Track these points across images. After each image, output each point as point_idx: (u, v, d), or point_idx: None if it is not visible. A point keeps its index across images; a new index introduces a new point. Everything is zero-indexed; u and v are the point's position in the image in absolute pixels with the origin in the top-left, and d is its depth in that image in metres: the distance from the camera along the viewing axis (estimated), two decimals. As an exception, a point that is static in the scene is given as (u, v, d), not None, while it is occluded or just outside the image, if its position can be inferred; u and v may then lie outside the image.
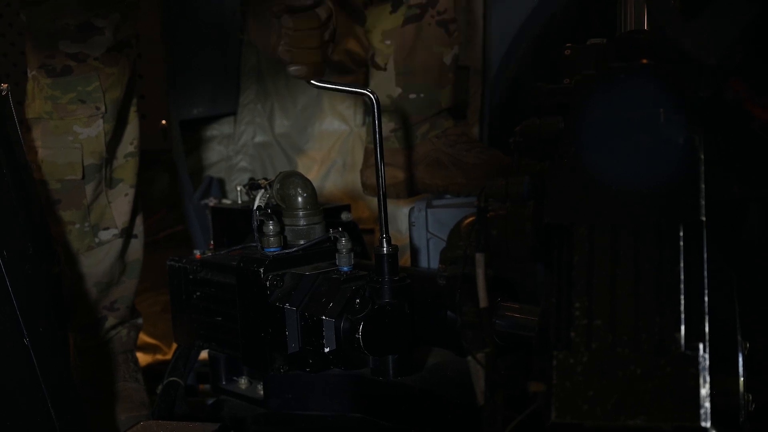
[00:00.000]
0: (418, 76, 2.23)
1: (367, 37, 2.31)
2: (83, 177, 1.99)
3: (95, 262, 2.06)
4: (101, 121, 1.98)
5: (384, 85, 2.24)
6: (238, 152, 3.41)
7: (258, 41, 1.66)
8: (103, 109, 1.96)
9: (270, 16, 1.60)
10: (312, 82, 1.62)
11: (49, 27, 1.90)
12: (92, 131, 1.98)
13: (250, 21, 1.68)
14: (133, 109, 2.09)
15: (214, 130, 3.40)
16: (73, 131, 1.96)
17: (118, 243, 2.09)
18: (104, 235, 2.07)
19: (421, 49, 2.22)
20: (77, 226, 2.02)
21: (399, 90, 2.24)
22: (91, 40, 1.91)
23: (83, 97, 1.94)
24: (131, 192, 2.11)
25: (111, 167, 2.07)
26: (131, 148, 2.10)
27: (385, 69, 2.25)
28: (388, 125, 2.25)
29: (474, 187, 2.14)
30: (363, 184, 2.37)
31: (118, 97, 2.00)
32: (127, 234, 2.12)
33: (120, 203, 2.09)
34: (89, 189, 2.01)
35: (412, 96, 2.20)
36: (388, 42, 2.24)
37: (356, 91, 1.66)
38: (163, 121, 3.01)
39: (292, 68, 1.61)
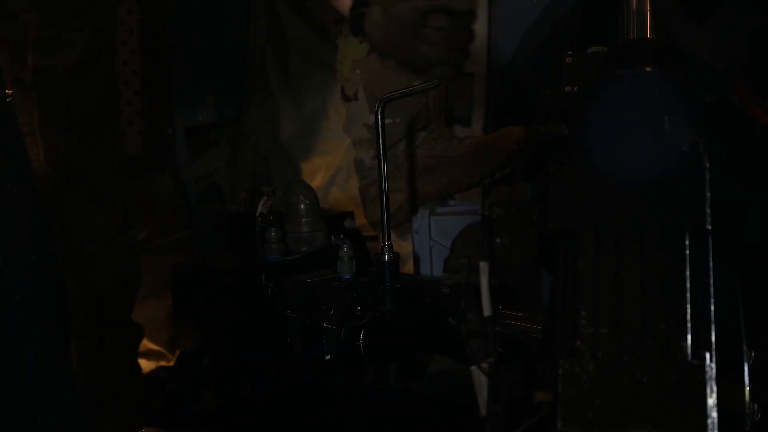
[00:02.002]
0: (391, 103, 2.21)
1: (339, 69, 2.29)
2: (64, 188, 1.99)
3: (87, 274, 2.06)
4: (77, 132, 1.98)
5: (359, 115, 2.22)
6: (242, 158, 3.41)
7: (384, 41, 1.65)
8: (77, 120, 1.97)
9: (413, 16, 1.58)
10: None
11: (19, 41, 1.91)
12: (70, 143, 1.98)
13: (371, 21, 1.66)
14: (117, 122, 2.10)
15: (219, 136, 3.40)
16: (52, 144, 1.96)
17: (109, 255, 2.09)
18: (92, 247, 2.07)
19: (387, 77, 2.20)
20: (63, 237, 2.01)
21: (373, 117, 2.22)
22: (60, 53, 1.92)
23: (56, 109, 1.95)
24: (118, 205, 2.11)
25: (96, 180, 2.07)
26: (117, 161, 2.10)
27: (355, 99, 2.23)
28: (370, 153, 2.23)
29: (469, 174, 2.12)
30: (372, 224, 2.33)
31: (94, 109, 2.00)
32: (117, 246, 2.12)
33: (108, 215, 2.09)
34: (72, 201, 2.01)
35: (388, 121, 2.18)
36: (357, 71, 2.23)
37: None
38: (170, 130, 3.01)
39: (440, 68, 1.59)
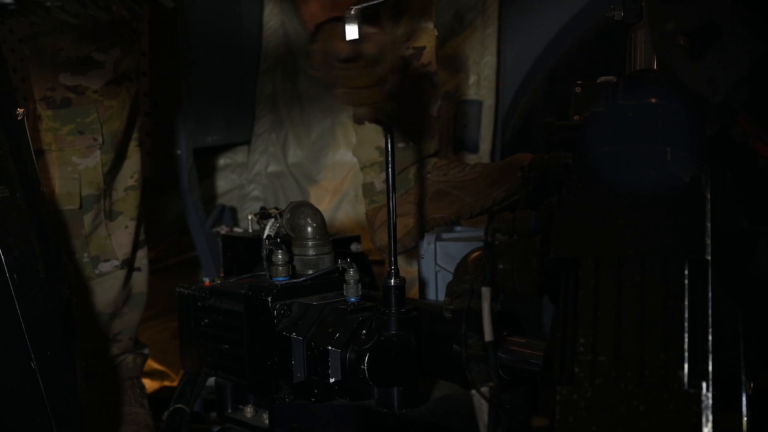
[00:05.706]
0: (405, 127, 2.20)
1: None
2: (81, 207, 2.00)
3: (97, 293, 2.07)
4: (99, 152, 2.00)
5: (371, 138, 2.22)
6: (251, 181, 3.43)
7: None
8: (100, 140, 1.99)
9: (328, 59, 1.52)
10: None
11: (50, 60, 1.93)
12: (90, 162, 2.00)
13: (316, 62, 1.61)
14: (134, 143, 2.12)
15: (228, 159, 3.42)
16: (72, 162, 1.99)
17: (120, 275, 2.10)
18: (104, 267, 2.08)
19: (405, 101, 2.19)
20: (76, 256, 2.03)
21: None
22: (90, 73, 1.95)
23: (81, 128, 1.97)
24: (132, 224, 2.13)
25: (111, 200, 2.09)
26: (131, 182, 2.12)
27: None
28: (381, 176, 2.22)
29: (482, 199, 2.12)
30: (379, 249, 2.32)
31: (117, 129, 2.03)
32: (128, 266, 2.13)
33: (120, 235, 2.11)
34: (87, 219, 2.03)
35: (401, 145, 2.17)
36: None
37: None
38: (178, 151, 3.03)
39: (356, 112, 1.52)
